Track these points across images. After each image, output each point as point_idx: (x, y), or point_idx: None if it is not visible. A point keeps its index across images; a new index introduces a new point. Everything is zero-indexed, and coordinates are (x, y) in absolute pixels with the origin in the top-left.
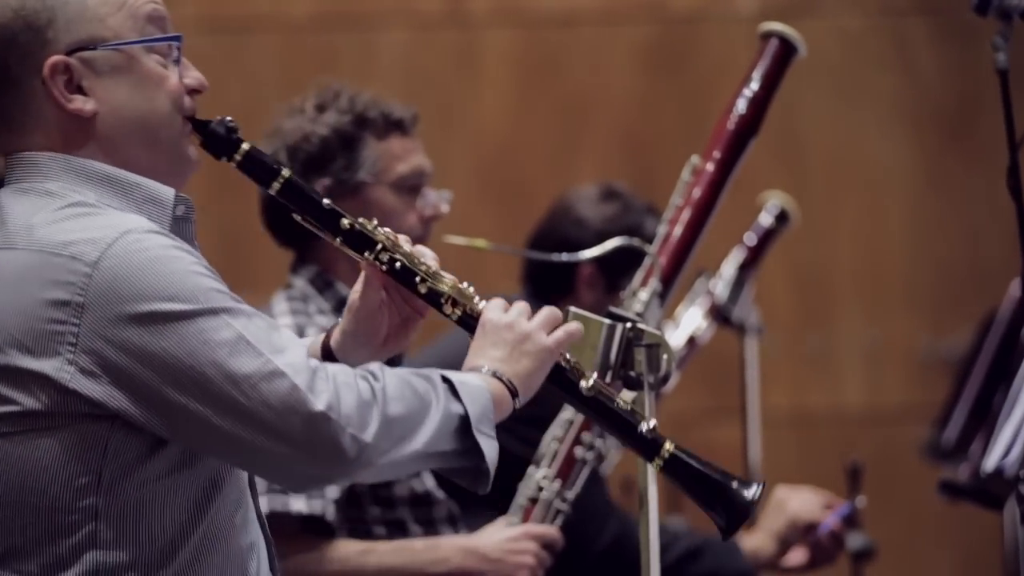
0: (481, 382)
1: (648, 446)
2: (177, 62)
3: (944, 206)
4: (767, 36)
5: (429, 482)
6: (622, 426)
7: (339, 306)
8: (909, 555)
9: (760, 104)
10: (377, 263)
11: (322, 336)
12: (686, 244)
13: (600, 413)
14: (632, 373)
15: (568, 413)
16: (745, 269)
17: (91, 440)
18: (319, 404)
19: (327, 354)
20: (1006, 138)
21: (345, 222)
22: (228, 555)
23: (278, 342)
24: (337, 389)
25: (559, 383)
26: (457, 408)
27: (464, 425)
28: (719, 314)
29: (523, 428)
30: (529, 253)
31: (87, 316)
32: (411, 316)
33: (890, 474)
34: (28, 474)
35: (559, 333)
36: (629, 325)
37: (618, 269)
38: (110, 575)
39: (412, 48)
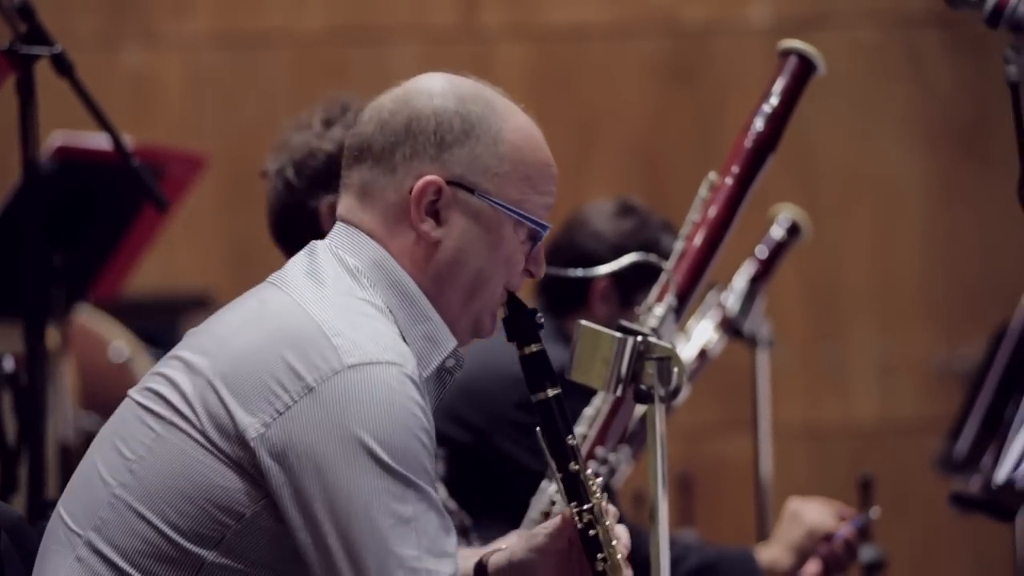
0: None
1: None
2: (532, 244)
3: (957, 218)
4: (786, 53)
5: (442, 492)
6: None
7: None
8: (921, 567)
9: (778, 120)
10: (576, 518)
11: (484, 550)
12: (703, 261)
13: None
14: (643, 386)
15: (581, 427)
16: (756, 282)
17: (236, 499)
18: None
19: (480, 572)
20: (1017, 151)
21: (573, 466)
22: None
23: (440, 547)
24: None
25: None
26: None
27: None
28: (730, 327)
29: (537, 442)
30: (549, 269)
31: (306, 402)
32: None
33: (902, 486)
34: (166, 488)
35: None
36: (640, 338)
37: (633, 284)
38: None
39: (424, 62)
